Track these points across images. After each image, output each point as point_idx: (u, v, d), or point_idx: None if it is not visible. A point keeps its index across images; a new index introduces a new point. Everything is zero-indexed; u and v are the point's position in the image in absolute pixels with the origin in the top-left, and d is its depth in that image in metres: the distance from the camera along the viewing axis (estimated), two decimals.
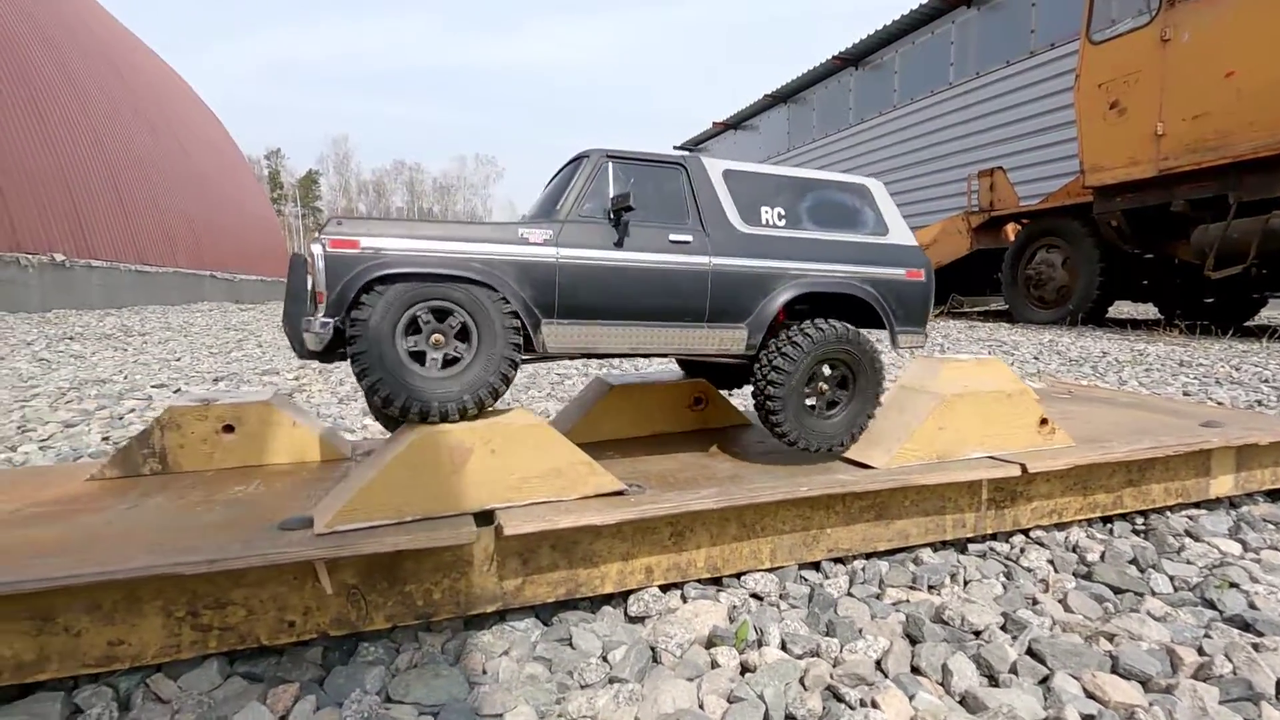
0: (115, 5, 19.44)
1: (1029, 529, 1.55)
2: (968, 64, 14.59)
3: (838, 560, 1.41)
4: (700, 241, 1.40)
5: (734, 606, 1.23)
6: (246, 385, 4.03)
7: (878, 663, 1.06)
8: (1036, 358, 5.29)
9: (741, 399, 3.29)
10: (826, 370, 1.43)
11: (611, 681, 1.04)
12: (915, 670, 1.05)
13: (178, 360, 5.33)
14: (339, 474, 1.45)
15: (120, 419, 3.02)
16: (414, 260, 1.20)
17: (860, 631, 1.15)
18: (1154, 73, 6.58)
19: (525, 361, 1.51)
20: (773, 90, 20.58)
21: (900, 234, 1.60)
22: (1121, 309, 10.01)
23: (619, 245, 1.35)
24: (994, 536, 1.53)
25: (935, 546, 1.48)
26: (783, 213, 1.49)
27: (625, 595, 1.28)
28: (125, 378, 4.37)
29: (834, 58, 17.57)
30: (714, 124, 24.22)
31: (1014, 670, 1.03)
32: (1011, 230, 9.78)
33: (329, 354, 1.26)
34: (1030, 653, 1.07)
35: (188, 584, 1.02)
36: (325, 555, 1.00)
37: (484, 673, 1.08)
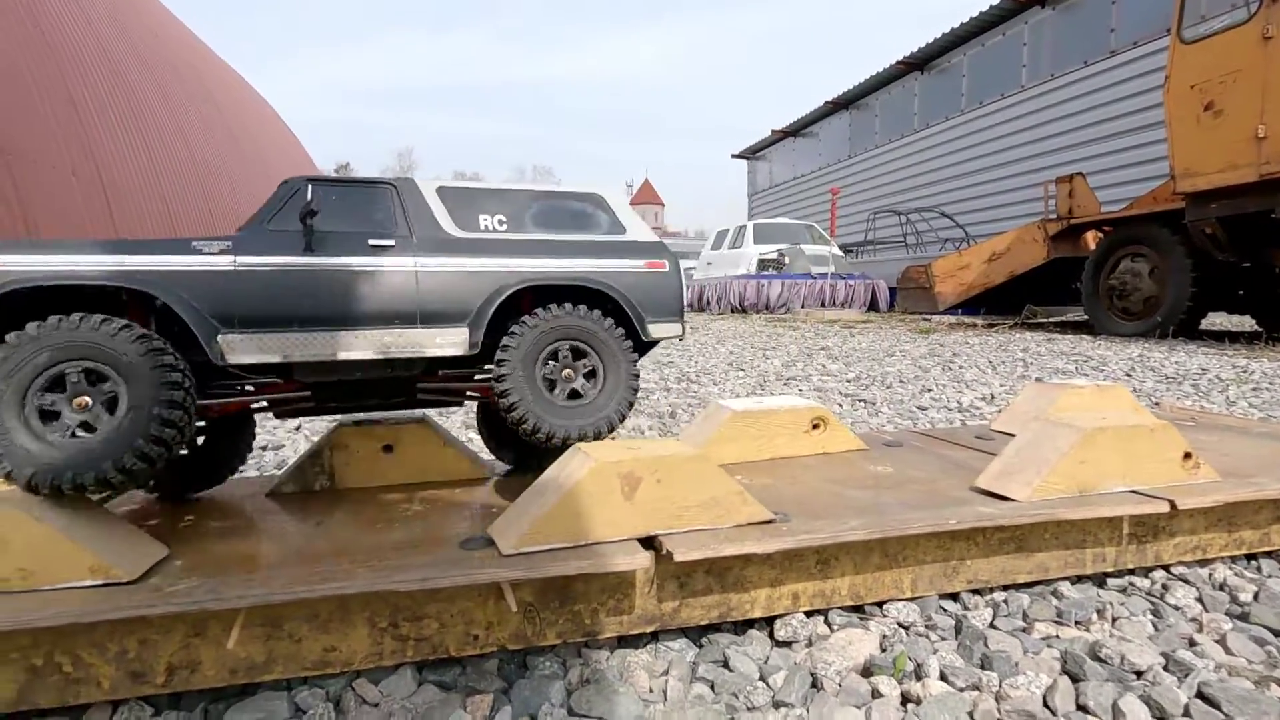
0: (193, 26, 20.68)
1: (1170, 565, 1.53)
2: (1041, 66, 14.12)
3: (975, 591, 1.42)
4: (404, 245, 1.40)
5: (884, 635, 1.26)
6: None
7: (1044, 700, 1.07)
8: (1129, 374, 5.08)
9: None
10: (563, 356, 1.41)
11: (777, 705, 1.09)
12: (1083, 709, 1.06)
13: None
14: (486, 494, 1.55)
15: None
16: (49, 277, 1.12)
17: (1017, 666, 1.16)
18: (1255, 73, 6.25)
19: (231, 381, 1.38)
20: (834, 97, 20.32)
21: (639, 233, 1.61)
22: (1214, 320, 9.49)
23: (309, 251, 1.32)
24: (1132, 571, 1.52)
25: (1073, 580, 1.47)
26: (504, 219, 1.50)
27: (770, 620, 1.33)
28: None
29: (899, 62, 17.26)
30: (772, 131, 24.07)
31: (1187, 714, 1.03)
32: (1092, 238, 9.41)
33: None
34: (1202, 696, 1.07)
35: (390, 598, 1.12)
36: (516, 577, 1.08)
37: (650, 691, 1.14)
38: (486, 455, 1.89)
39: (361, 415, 1.67)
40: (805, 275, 15.46)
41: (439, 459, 1.65)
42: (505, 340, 1.37)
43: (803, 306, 15.16)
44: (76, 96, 11.56)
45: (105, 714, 1.06)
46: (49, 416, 1.10)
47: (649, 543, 1.21)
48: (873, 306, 15.17)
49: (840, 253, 16.03)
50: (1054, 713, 1.05)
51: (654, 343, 1.58)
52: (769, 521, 1.28)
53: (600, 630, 1.22)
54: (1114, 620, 1.32)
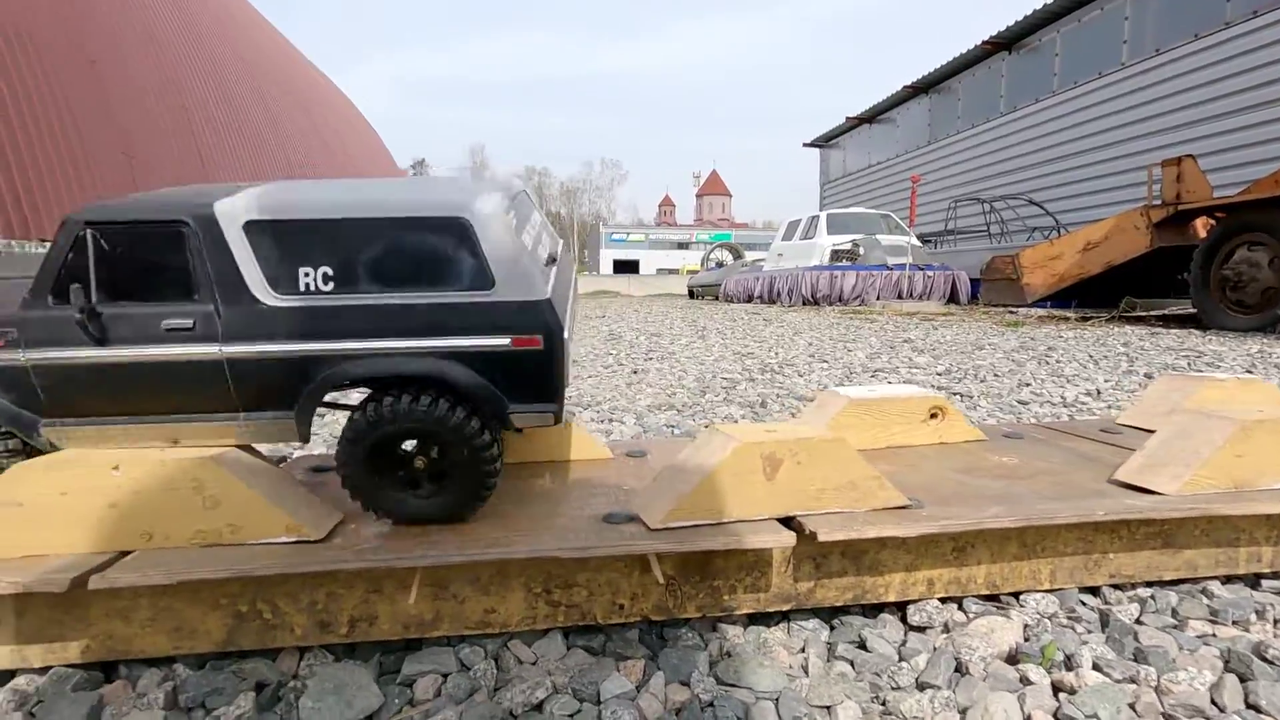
0: (281, 28, 21.77)
1: None
2: (1144, 42, 13.21)
3: (1116, 586, 1.38)
4: (207, 325, 1.12)
5: (1027, 625, 1.25)
6: None
7: (1211, 697, 1.04)
8: (1249, 371, 4.73)
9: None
10: (409, 447, 1.20)
11: (922, 686, 1.10)
12: (1254, 708, 1.02)
13: None
14: (612, 472, 1.61)
15: None
16: None
17: (1174, 661, 1.13)
18: None
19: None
20: (913, 81, 19.61)
21: (513, 285, 1.16)
22: None
23: (100, 341, 1.11)
24: None
25: (1223, 580, 1.41)
26: (330, 273, 1.13)
27: (902, 605, 1.33)
28: None
29: (984, 43, 16.49)
30: (847, 119, 23.45)
31: None
32: (1202, 225, 8.77)
33: None
34: None
35: (545, 565, 1.19)
36: (668, 549, 1.13)
37: (790, 667, 1.17)
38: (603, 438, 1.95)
39: None
40: (881, 266, 15.03)
41: (565, 439, 1.72)
42: (338, 449, 1.17)
43: (878, 299, 14.76)
44: (189, 104, 12.43)
45: (294, 659, 1.17)
46: None
47: (787, 523, 1.23)
48: (952, 299, 14.62)
49: (919, 243, 15.48)
50: (1222, 710, 1.02)
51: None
52: (904, 507, 1.28)
53: (737, 606, 1.26)
54: (1275, 622, 1.26)
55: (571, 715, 1.03)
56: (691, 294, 25.34)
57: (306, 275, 1.13)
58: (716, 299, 20.75)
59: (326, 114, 20.23)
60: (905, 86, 20.20)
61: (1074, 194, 14.60)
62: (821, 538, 1.16)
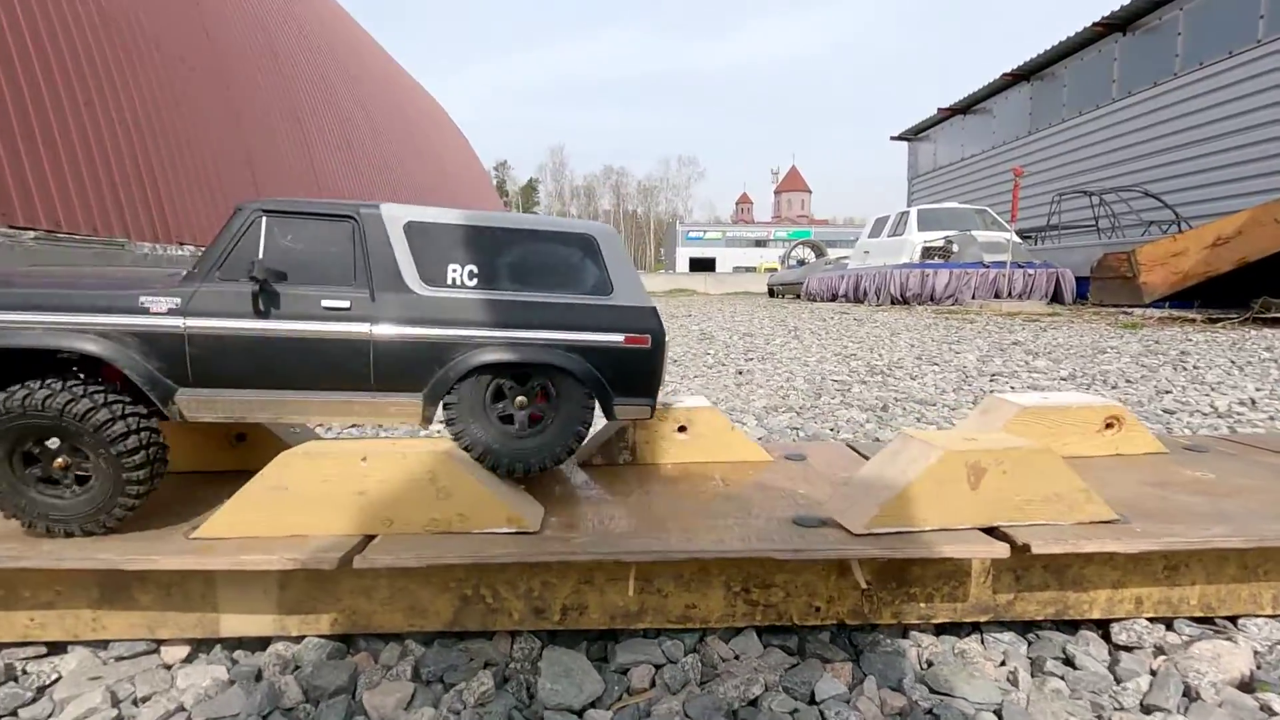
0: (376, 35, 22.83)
1: None
2: None
3: None
4: (362, 308, 1.27)
5: (1257, 651, 1.18)
6: None
7: None
8: None
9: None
10: (515, 395, 1.34)
11: (1148, 710, 1.06)
12: None
13: None
14: (781, 475, 1.63)
15: None
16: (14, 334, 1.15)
17: None
18: None
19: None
20: (1013, 68, 18.61)
21: (628, 293, 1.37)
22: None
23: (263, 314, 1.24)
24: None
25: None
26: (475, 270, 1.31)
27: (1103, 622, 1.29)
28: None
29: (1095, 24, 15.45)
30: (939, 110, 22.52)
31: None
32: None
33: None
34: None
35: (744, 566, 1.23)
36: (876, 554, 1.14)
37: (996, 679, 1.16)
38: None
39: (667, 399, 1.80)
40: (977, 264, 14.38)
41: (727, 441, 1.75)
42: (448, 399, 1.31)
43: (973, 298, 14.13)
44: (302, 116, 13.28)
45: (506, 642, 1.25)
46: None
47: (991, 533, 1.22)
48: (1056, 298, 13.82)
49: (1018, 239, 14.70)
50: None
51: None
52: (1113, 521, 1.24)
53: (934, 615, 1.25)
54: None
55: (790, 713, 1.06)
56: (772, 292, 25.01)
57: (453, 270, 1.31)
58: (798, 297, 20.39)
59: (420, 120, 21.14)
60: (1004, 74, 19.18)
61: (1198, 185, 13.48)
62: (1036, 550, 1.13)
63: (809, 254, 25.98)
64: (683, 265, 57.00)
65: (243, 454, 1.68)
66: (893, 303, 14.54)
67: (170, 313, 1.23)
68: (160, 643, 1.24)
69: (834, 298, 17.48)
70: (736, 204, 75.85)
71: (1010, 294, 13.78)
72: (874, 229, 17.35)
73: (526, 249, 1.34)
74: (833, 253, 24.92)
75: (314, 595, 1.21)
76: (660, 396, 1.47)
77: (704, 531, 1.25)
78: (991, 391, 4.00)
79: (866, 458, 1.79)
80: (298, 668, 1.18)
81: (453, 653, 1.20)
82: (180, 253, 9.00)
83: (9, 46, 7.17)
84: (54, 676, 1.17)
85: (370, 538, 1.20)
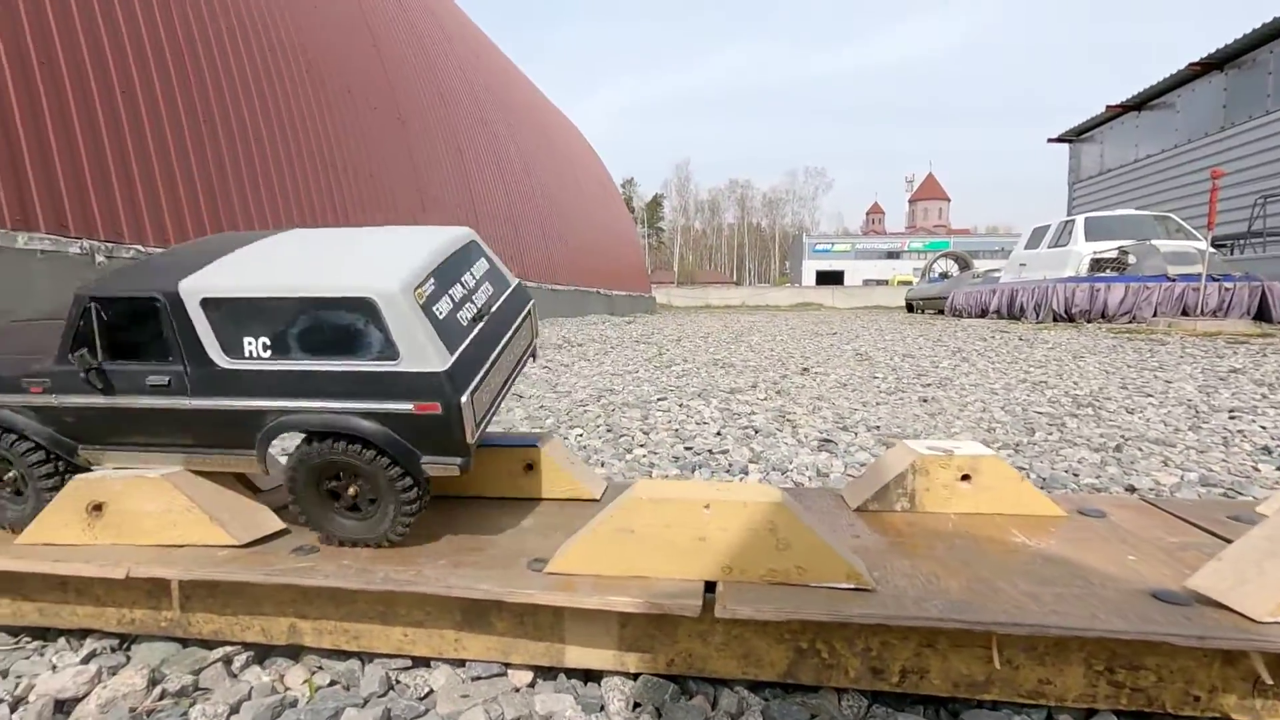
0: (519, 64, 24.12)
1: None
2: None
3: None
4: (178, 382, 1.39)
5: None
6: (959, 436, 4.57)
7: None
8: None
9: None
10: (338, 480, 1.41)
11: None
12: None
13: (634, 372, 6.29)
14: (1089, 533, 1.50)
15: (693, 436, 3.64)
16: None
17: None
18: None
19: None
20: (1201, 57, 16.63)
21: (415, 357, 1.29)
22: None
23: (105, 391, 1.42)
24: None
25: None
26: (268, 342, 1.34)
27: None
28: (625, 388, 5.27)
29: None
30: (1108, 107, 20.55)
31: None
32: None
33: None
34: None
35: (1108, 643, 1.14)
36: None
37: None
38: None
39: (935, 442, 1.74)
40: (1159, 277, 12.93)
41: (1015, 493, 1.65)
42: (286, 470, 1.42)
43: (1154, 314, 12.68)
44: (461, 145, 14.35)
45: (833, 698, 1.24)
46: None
47: None
48: (1262, 315, 12.12)
49: (1211, 249, 13.05)
50: None
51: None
52: None
53: None
54: None
55: None
56: (910, 307, 23.76)
57: (249, 343, 1.35)
58: (941, 313, 19.22)
59: (562, 145, 22.17)
60: (1190, 65, 17.16)
61: None
62: None
63: (952, 266, 24.48)
64: (809, 278, 55.61)
65: (532, 482, 1.80)
66: (1055, 319, 13.36)
67: (44, 391, 1.49)
68: (507, 666, 1.34)
69: (983, 313, 16.32)
70: (867, 214, 72.99)
71: (1203, 311, 12.26)
72: (1031, 239, 16.06)
73: (312, 317, 1.33)
74: (980, 265, 23.30)
75: (653, 635, 1.26)
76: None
77: (1048, 600, 1.18)
78: (1239, 431, 3.54)
79: (1179, 517, 1.62)
80: (637, 704, 1.23)
81: (793, 706, 1.20)
82: None
83: (237, 95, 8.27)
84: (425, 690, 1.29)
85: (711, 584, 1.23)
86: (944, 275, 23.40)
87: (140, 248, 6.69)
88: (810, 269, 57.12)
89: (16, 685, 1.31)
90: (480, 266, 1.62)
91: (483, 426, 1.41)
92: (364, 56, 11.32)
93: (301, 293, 1.34)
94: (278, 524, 1.53)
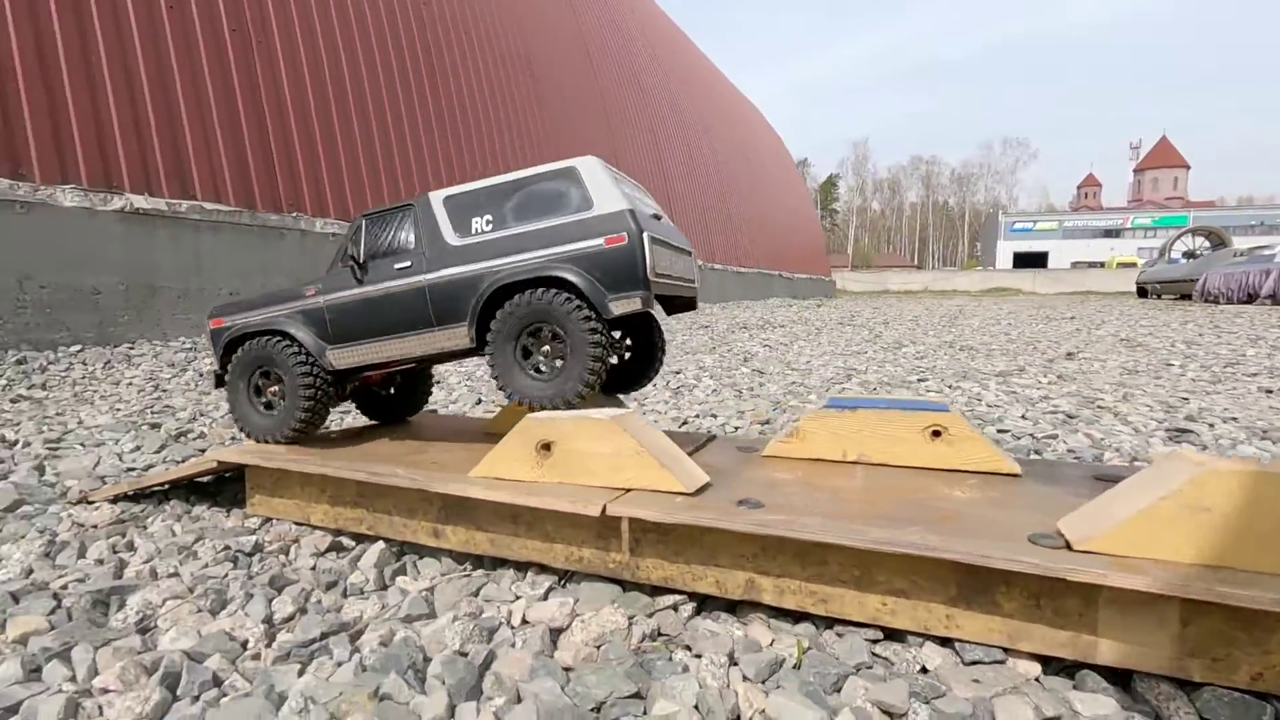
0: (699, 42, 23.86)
1: None
2: None
3: None
4: (418, 263, 1.78)
5: None
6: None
7: None
8: None
9: None
10: (534, 339, 1.69)
11: None
12: None
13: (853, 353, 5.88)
14: None
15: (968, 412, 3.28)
16: (245, 326, 1.96)
17: None
18: None
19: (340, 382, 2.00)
20: None
21: (606, 204, 1.65)
22: None
23: (360, 283, 1.83)
24: None
25: None
26: (490, 218, 1.74)
27: None
28: (857, 373, 4.94)
29: None
30: None
31: None
32: None
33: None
34: None
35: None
36: None
37: None
38: None
39: None
40: None
41: None
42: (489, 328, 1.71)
43: None
44: (655, 128, 14.56)
45: None
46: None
47: None
48: None
49: None
50: None
51: (620, 317, 1.64)
52: None
53: None
54: None
55: None
56: (1142, 292, 20.55)
57: (475, 222, 1.74)
58: (1185, 298, 16.39)
59: (743, 126, 21.80)
60: None
61: None
62: None
63: (1200, 244, 20.82)
64: (1003, 260, 50.26)
65: (940, 451, 1.62)
66: None
67: (316, 294, 1.89)
68: (1007, 652, 1.17)
69: (1249, 298, 13.63)
70: (1079, 188, 64.01)
71: None
72: None
73: (526, 192, 1.72)
74: (1241, 242, 19.59)
75: (1230, 639, 1.02)
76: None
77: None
78: None
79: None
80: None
81: None
82: None
83: (473, 97, 8.91)
84: (918, 667, 1.16)
85: None
86: (1190, 255, 19.93)
87: None
88: (1005, 250, 51.39)
89: (501, 609, 1.37)
90: (649, 199, 1.95)
91: (661, 284, 1.69)
92: (577, 60, 11.82)
93: (522, 174, 1.76)
94: (704, 475, 1.49)
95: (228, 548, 1.66)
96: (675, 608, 1.37)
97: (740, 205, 18.42)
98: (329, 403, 1.92)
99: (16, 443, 2.66)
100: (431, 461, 1.73)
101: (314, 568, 1.59)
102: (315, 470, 1.71)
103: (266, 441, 1.94)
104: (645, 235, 1.61)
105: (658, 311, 1.91)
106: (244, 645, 1.27)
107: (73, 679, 1.13)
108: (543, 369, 1.69)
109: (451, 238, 1.76)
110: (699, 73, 19.44)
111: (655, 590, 1.41)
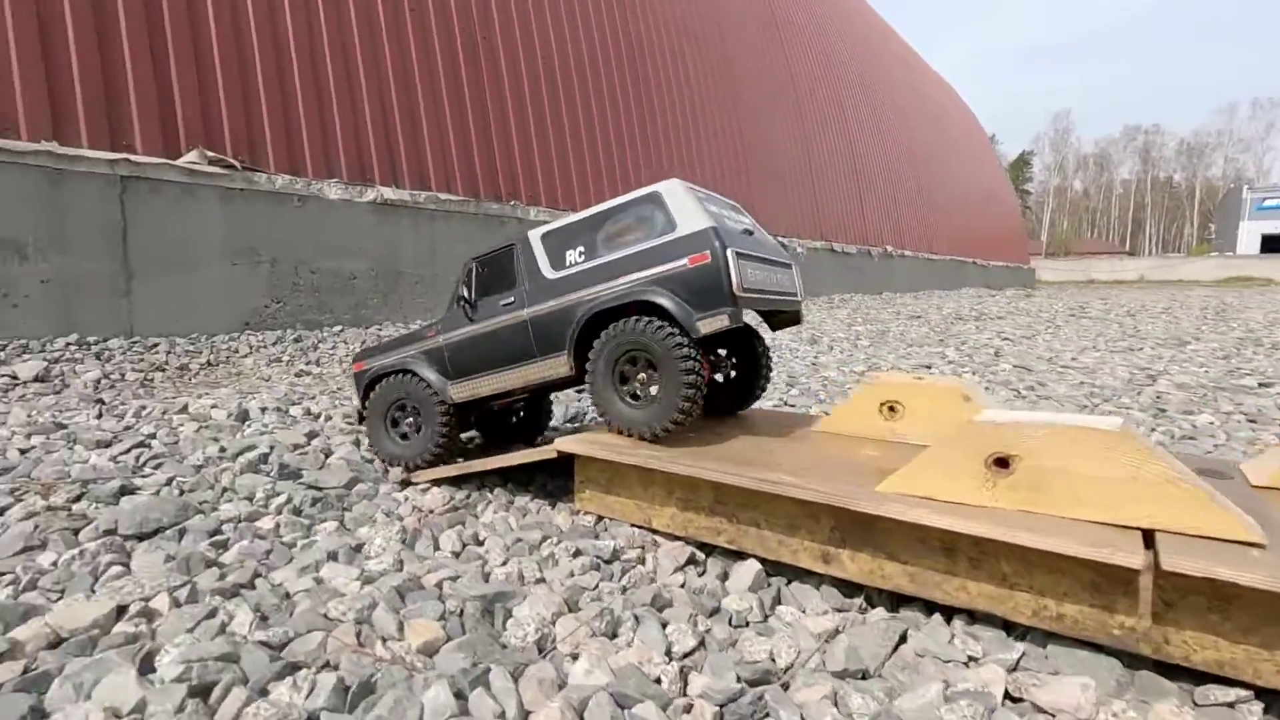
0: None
1: None
2: None
3: None
4: (520, 298, 1.87)
5: None
6: None
7: None
8: None
9: None
10: (631, 365, 1.69)
11: None
12: None
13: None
14: None
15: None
16: (381, 369, 2.17)
17: None
18: None
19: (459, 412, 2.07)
20: None
21: (689, 224, 1.66)
22: None
23: (472, 321, 1.95)
24: None
25: None
26: (583, 250, 1.80)
27: None
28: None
29: None
30: None
31: None
32: None
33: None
34: None
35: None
36: None
37: None
38: None
39: None
40: None
41: None
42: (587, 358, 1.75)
43: None
44: (845, 109, 13.69)
45: None
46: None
47: None
48: None
49: None
50: None
51: (709, 336, 1.63)
52: None
53: None
54: None
55: None
56: None
57: (570, 255, 1.83)
58: None
59: (933, 101, 19.98)
60: None
61: None
62: None
63: None
64: (1248, 244, 42.16)
65: None
66: None
67: (435, 334, 2.04)
68: None
69: None
70: None
71: None
72: None
73: (614, 221, 1.79)
74: None
75: None
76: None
77: None
78: None
79: None
80: None
81: None
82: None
83: (679, 98, 8.73)
84: None
85: None
86: None
87: None
88: (1250, 232, 42.85)
89: (972, 678, 1.04)
90: (742, 217, 1.94)
91: (751, 299, 1.64)
92: (762, 43, 11.33)
93: (610, 204, 1.81)
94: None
95: (580, 552, 1.49)
96: (1233, 705, 0.97)
97: (931, 187, 16.90)
98: (459, 430, 2.07)
99: (319, 415, 2.80)
100: (776, 464, 1.45)
101: (683, 585, 1.38)
102: (666, 468, 1.49)
103: (406, 468, 2.07)
104: (729, 251, 1.59)
105: (763, 330, 1.91)
106: (657, 681, 1.06)
107: (502, 715, 0.97)
108: (639, 395, 1.69)
109: (549, 271, 1.84)
110: (884, 42, 18.05)
111: (1187, 672, 1.01)
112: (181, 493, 1.80)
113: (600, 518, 1.69)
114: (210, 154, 4.48)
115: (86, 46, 4.05)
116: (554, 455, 1.67)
